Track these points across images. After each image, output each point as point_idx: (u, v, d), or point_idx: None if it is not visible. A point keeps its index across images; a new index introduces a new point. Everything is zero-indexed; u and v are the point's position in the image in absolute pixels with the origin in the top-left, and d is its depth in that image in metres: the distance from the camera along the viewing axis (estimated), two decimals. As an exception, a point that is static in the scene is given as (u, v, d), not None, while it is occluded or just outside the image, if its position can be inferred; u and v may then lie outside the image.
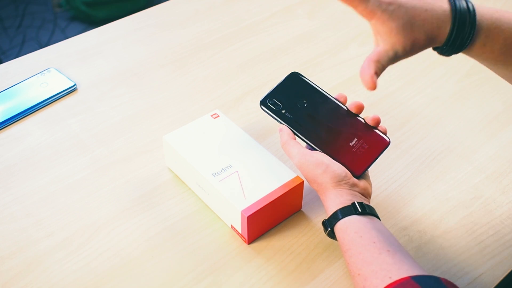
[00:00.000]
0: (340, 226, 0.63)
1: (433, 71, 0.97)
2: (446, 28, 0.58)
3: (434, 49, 0.62)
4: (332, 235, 0.66)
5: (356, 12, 0.59)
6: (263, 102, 0.71)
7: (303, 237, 0.71)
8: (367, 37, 1.05)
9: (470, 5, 0.59)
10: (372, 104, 0.90)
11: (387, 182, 0.78)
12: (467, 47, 0.60)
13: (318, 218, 0.73)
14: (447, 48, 0.60)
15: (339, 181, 0.65)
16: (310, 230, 0.72)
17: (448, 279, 0.57)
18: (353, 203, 0.64)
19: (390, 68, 0.97)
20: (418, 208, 0.74)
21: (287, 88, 0.72)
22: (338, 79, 0.95)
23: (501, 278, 0.67)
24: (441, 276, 0.66)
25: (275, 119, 0.70)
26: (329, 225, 0.65)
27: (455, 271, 0.67)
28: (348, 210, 0.63)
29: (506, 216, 0.73)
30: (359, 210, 0.63)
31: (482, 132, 0.85)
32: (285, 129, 0.69)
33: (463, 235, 0.71)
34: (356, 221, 0.62)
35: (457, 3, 0.59)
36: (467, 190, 0.77)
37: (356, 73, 0.97)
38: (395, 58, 0.59)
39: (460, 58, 1.00)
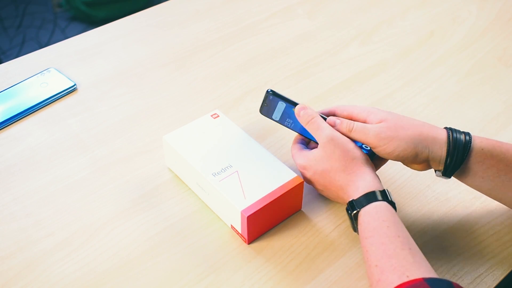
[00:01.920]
0: (369, 210, 0.61)
1: (433, 71, 0.97)
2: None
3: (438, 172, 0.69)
4: (355, 217, 0.63)
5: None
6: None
7: (303, 237, 0.71)
8: (367, 37, 1.05)
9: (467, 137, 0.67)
10: (372, 104, 0.90)
11: (387, 182, 0.78)
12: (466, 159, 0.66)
13: (318, 218, 0.73)
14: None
15: (368, 159, 0.66)
16: (310, 230, 0.72)
17: (452, 280, 0.57)
18: (385, 190, 0.62)
19: (390, 68, 0.98)
20: (418, 208, 0.74)
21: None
22: (338, 79, 0.95)
23: (501, 278, 0.67)
24: (441, 276, 0.66)
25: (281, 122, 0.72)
26: (358, 205, 0.62)
27: (455, 271, 0.67)
28: (380, 195, 0.62)
29: (506, 216, 0.73)
30: (389, 198, 0.62)
31: (482, 132, 0.85)
32: (308, 107, 0.70)
33: (463, 235, 0.71)
34: (386, 209, 0.61)
35: (454, 134, 0.66)
36: (467, 190, 0.77)
37: (356, 73, 0.97)
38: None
39: (460, 58, 1.01)
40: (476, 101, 0.91)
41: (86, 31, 1.07)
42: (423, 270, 0.56)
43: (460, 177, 0.68)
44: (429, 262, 0.68)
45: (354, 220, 0.63)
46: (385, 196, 0.62)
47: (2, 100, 0.88)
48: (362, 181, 0.63)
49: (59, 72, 0.94)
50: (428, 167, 0.67)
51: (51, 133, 0.84)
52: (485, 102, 0.91)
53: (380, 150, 0.66)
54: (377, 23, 1.08)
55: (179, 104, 0.90)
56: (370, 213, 0.61)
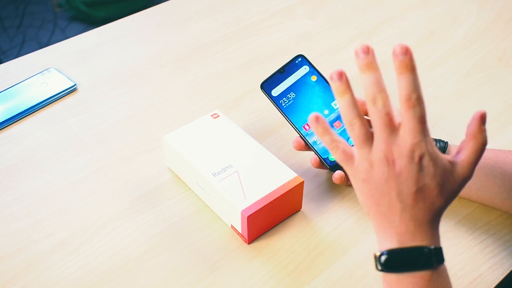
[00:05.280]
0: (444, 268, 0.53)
1: (433, 71, 0.97)
2: None
3: None
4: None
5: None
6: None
7: (303, 237, 0.71)
8: (367, 37, 1.05)
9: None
10: (372, 104, 0.90)
11: (387, 182, 0.78)
12: None
13: (318, 218, 0.73)
14: None
15: None
16: (310, 230, 0.72)
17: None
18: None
19: (390, 68, 0.97)
20: (418, 208, 0.74)
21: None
22: (338, 79, 0.95)
23: (501, 278, 0.67)
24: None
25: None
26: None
27: (455, 271, 0.67)
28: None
29: (506, 216, 0.73)
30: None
31: (482, 132, 0.85)
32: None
33: (463, 235, 0.71)
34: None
35: None
36: (467, 190, 0.77)
37: (356, 73, 0.97)
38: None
39: (460, 58, 1.01)
40: (476, 101, 0.91)
41: (86, 31, 1.07)
42: None
43: None
44: (429, 262, 0.68)
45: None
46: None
47: (2, 100, 0.88)
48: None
49: (59, 72, 0.94)
50: None
51: (51, 133, 0.84)
52: (485, 102, 0.91)
53: None
54: (377, 23, 1.08)
55: (179, 104, 0.90)
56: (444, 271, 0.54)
